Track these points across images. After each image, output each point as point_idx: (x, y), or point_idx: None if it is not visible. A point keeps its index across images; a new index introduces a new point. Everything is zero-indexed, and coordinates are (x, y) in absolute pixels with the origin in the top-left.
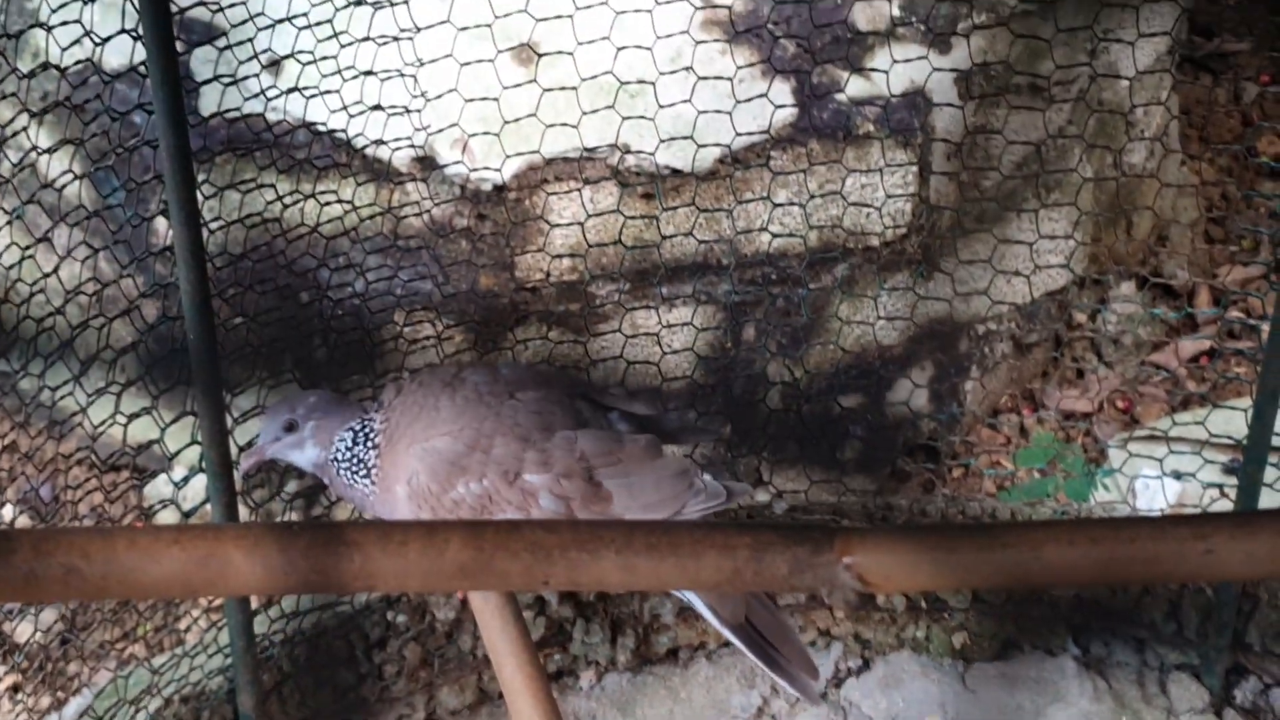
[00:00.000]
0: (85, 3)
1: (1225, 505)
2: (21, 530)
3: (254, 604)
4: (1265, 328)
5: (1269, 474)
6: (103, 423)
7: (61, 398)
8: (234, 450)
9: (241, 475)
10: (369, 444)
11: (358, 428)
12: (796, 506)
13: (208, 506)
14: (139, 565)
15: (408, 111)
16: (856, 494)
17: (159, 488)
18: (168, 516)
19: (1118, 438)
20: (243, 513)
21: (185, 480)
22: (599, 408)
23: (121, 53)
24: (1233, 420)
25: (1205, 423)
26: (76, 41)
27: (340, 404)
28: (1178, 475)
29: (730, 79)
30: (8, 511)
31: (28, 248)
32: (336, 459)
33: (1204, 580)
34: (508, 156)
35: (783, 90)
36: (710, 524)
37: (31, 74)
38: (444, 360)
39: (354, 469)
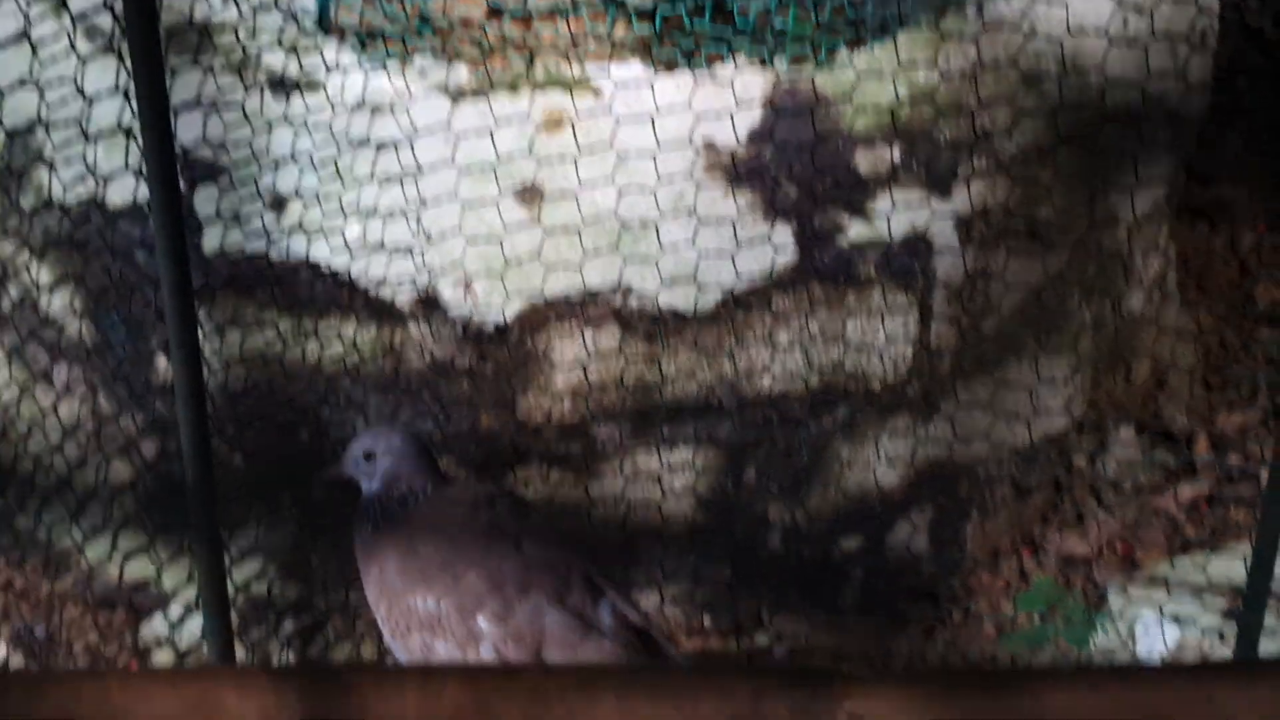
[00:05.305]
0: (89, 141)
1: (1224, 651)
2: (15, 673)
3: None
4: (1264, 473)
5: (1268, 619)
6: (99, 560)
7: (58, 535)
8: (230, 589)
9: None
10: (394, 506)
11: (405, 492)
12: (797, 649)
13: (204, 646)
14: (132, 708)
15: (410, 252)
16: (857, 637)
17: (155, 626)
18: (164, 655)
19: (1117, 582)
20: (239, 651)
21: (181, 619)
22: (595, 592)
23: (124, 190)
24: (1232, 566)
25: (1205, 568)
26: (80, 179)
27: (417, 460)
28: (1177, 620)
29: (732, 221)
30: (1, 650)
31: (26, 384)
32: (380, 496)
33: None
34: (509, 297)
35: (784, 233)
36: (709, 667)
37: (34, 211)
38: None
39: (371, 510)
